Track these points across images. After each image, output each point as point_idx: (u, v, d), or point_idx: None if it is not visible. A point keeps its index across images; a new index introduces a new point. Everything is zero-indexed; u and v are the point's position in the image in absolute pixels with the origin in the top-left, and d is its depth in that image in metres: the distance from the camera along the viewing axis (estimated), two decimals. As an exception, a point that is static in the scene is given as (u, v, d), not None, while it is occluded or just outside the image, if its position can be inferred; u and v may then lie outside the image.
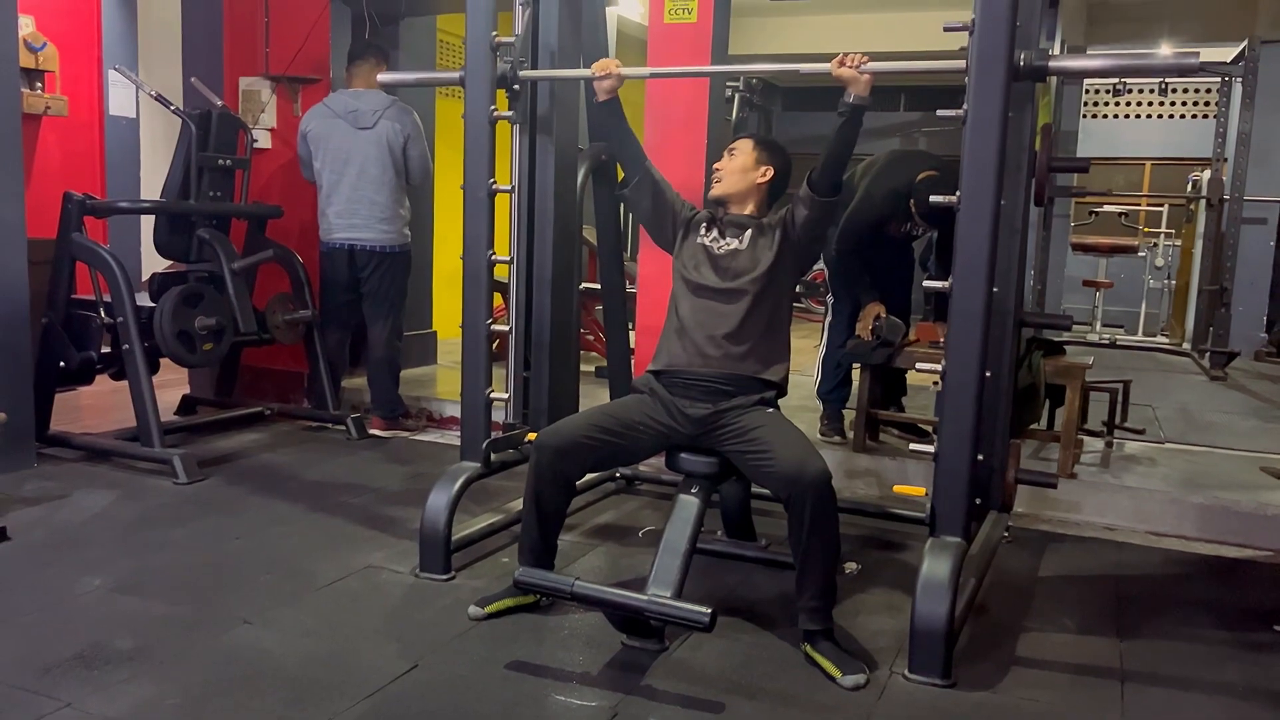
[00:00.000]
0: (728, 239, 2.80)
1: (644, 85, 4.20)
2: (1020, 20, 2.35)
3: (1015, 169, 2.66)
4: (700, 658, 2.45)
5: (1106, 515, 3.69)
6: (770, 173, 2.84)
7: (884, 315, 3.95)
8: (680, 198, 2.96)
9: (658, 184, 2.92)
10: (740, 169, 2.83)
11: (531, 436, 3.23)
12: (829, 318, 4.40)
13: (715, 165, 2.90)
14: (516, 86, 3.09)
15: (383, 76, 3.40)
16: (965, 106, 2.34)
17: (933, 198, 2.52)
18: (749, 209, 2.85)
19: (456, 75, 3.04)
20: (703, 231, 2.84)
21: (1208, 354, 6.70)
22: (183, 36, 5.22)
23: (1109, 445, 4.36)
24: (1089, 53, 7.85)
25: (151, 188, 5.56)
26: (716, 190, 2.86)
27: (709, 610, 2.23)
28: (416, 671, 2.33)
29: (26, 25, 4.94)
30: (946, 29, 2.42)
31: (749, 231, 2.78)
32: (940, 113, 2.46)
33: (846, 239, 4.08)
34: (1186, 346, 7.46)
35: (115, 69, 5.28)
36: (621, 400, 2.92)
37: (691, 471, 2.67)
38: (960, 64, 2.36)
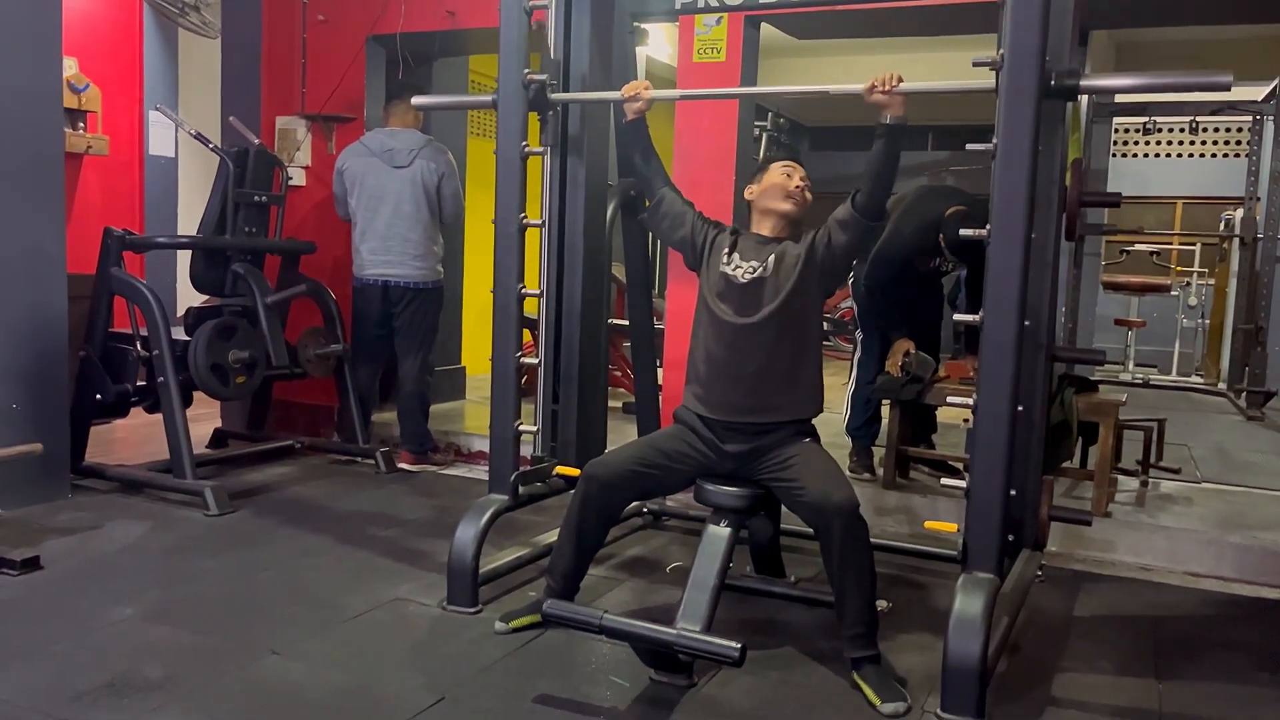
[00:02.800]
0: (751, 263, 2.72)
1: (672, 125, 4.25)
2: (1049, 57, 2.35)
3: (1046, 202, 2.65)
4: (729, 694, 2.42)
5: (1142, 555, 3.63)
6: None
7: (913, 351, 3.93)
8: (701, 217, 2.89)
9: (676, 206, 2.91)
10: (807, 198, 2.81)
11: (560, 470, 3.25)
12: (858, 354, 4.38)
13: (799, 177, 2.79)
14: (549, 110, 3.13)
15: (418, 100, 3.46)
16: (995, 140, 2.34)
17: (963, 231, 2.51)
18: (784, 233, 2.79)
19: (489, 99, 3.08)
20: (725, 258, 2.76)
21: (1244, 393, 6.60)
22: (222, 77, 5.37)
23: (1144, 484, 4.29)
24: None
25: (188, 224, 5.66)
26: (798, 211, 2.78)
27: (739, 645, 2.21)
28: (443, 704, 2.32)
29: (70, 67, 5.08)
30: (975, 64, 2.43)
31: (772, 256, 2.71)
32: (970, 146, 2.46)
33: (875, 275, 4.08)
34: (1222, 386, 7.34)
35: (157, 108, 5.42)
36: (664, 431, 2.92)
37: (720, 505, 2.66)
38: (991, 83, 2.35)
